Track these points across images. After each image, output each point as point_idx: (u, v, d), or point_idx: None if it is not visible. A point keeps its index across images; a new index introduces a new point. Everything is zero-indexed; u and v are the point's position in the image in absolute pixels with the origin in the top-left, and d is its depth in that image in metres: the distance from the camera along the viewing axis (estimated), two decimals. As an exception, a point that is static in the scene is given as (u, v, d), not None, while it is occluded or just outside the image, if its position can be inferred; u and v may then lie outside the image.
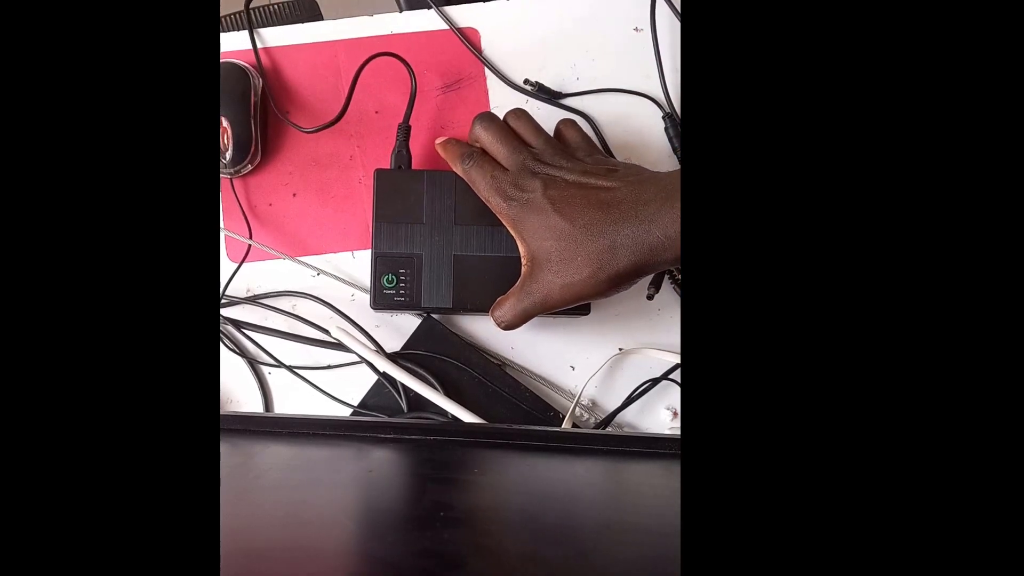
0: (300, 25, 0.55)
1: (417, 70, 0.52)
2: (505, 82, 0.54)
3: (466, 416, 0.48)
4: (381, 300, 0.49)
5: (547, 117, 0.54)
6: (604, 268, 0.42)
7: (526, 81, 0.54)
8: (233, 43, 0.55)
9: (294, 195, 0.53)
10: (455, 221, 0.49)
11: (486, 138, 0.47)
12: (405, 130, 0.52)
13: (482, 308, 0.49)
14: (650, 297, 0.51)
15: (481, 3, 0.56)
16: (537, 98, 0.54)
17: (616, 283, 0.42)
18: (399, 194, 0.50)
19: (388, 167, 0.51)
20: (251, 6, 0.55)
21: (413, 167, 0.52)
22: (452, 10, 0.56)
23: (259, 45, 0.54)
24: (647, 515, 0.31)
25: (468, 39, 0.55)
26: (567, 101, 0.55)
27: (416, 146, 0.53)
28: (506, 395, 0.50)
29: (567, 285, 0.43)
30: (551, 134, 0.49)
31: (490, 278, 0.49)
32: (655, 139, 0.54)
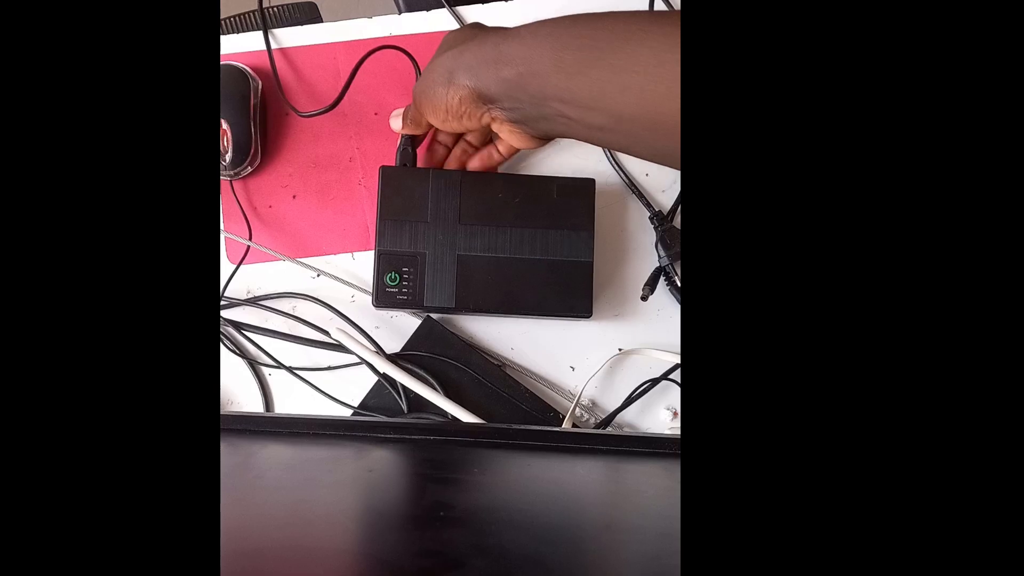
0: (299, 27, 0.55)
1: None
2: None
3: (466, 417, 0.48)
4: (383, 298, 0.49)
5: (547, 118, 0.54)
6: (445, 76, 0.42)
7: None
8: (234, 45, 0.55)
9: (294, 197, 0.53)
10: (459, 220, 0.49)
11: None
12: (411, 129, 0.52)
13: (485, 308, 0.49)
14: (644, 298, 0.51)
15: (481, 3, 0.56)
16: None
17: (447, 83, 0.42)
18: (404, 192, 0.49)
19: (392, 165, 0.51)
20: (258, 7, 0.55)
21: (417, 166, 0.52)
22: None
23: (258, 48, 0.54)
24: (647, 515, 0.31)
25: (468, 40, 0.55)
26: (567, 102, 0.55)
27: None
28: (506, 396, 0.50)
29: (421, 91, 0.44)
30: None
31: (493, 278, 0.49)
32: (654, 140, 0.54)
